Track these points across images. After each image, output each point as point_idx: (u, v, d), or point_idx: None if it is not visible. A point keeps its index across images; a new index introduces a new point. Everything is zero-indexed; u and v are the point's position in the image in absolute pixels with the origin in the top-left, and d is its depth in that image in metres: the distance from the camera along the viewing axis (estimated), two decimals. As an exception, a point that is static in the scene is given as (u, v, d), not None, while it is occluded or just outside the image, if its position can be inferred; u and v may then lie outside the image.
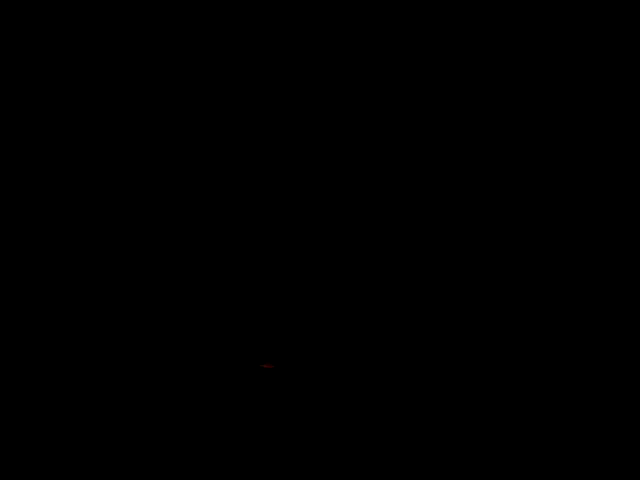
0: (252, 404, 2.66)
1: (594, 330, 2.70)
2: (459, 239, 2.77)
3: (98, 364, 2.73)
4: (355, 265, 2.79)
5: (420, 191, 2.79)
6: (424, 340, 2.76)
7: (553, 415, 2.63)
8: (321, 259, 2.79)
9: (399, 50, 2.78)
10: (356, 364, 2.75)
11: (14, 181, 2.75)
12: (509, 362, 2.72)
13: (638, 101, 2.72)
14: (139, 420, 2.63)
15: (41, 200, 2.77)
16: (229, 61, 2.80)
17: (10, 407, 2.61)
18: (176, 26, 2.77)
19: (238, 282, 2.79)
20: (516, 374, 2.70)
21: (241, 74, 2.80)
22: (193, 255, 2.79)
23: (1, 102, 2.71)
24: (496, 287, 2.75)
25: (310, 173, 2.81)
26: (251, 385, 2.70)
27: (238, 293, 2.79)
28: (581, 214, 2.74)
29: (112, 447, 2.57)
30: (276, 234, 2.81)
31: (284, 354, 2.76)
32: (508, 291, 2.75)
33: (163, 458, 2.56)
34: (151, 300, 2.77)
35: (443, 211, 2.78)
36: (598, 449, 2.55)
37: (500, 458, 2.57)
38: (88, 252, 2.77)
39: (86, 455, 2.55)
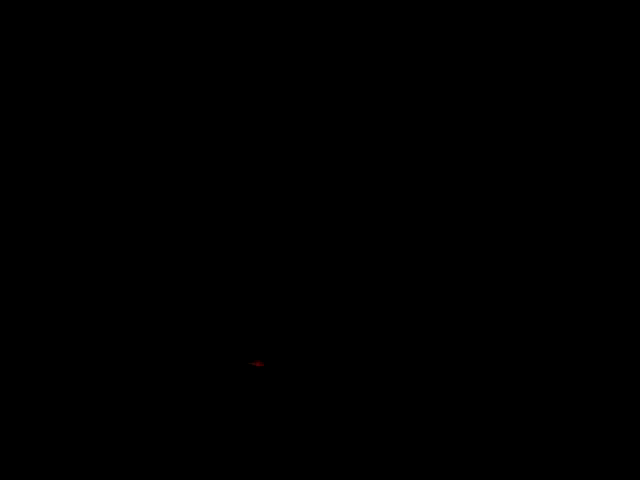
0: (242, 402, 2.65)
1: (594, 330, 2.70)
2: (455, 239, 2.77)
3: (87, 358, 2.71)
4: (346, 262, 2.78)
5: (418, 190, 2.79)
6: (419, 337, 2.75)
7: (553, 415, 2.63)
8: (312, 256, 2.79)
9: (399, 50, 2.78)
10: (348, 362, 2.74)
11: (14, 181, 2.75)
12: (508, 362, 2.71)
13: (638, 101, 2.72)
14: (129, 418, 2.62)
15: (41, 200, 2.76)
16: (229, 61, 2.80)
17: (10, 407, 2.61)
18: (176, 26, 2.77)
19: (228, 279, 2.79)
20: (516, 374, 2.70)
21: (241, 74, 2.80)
22: (183, 252, 2.79)
23: (1, 102, 2.72)
24: (495, 287, 2.75)
25: (300, 168, 2.81)
26: (241, 383, 2.69)
27: (228, 290, 2.78)
28: (581, 214, 2.75)
29: (102, 444, 2.57)
30: (267, 231, 2.80)
31: (274, 352, 2.75)
32: (508, 291, 2.75)
33: (155, 456, 2.55)
34: (142, 297, 2.76)
35: (440, 210, 2.78)
36: (598, 449, 2.56)
37: (499, 458, 2.57)
38: (80, 249, 2.76)
39: (79, 451, 2.55)
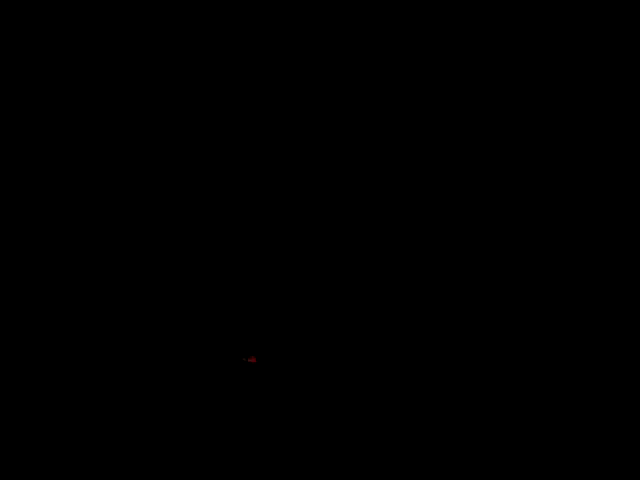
0: (235, 398, 2.65)
1: (594, 330, 2.71)
2: (453, 239, 2.77)
3: (81, 355, 2.71)
4: (340, 260, 2.78)
5: (416, 190, 2.79)
6: (413, 334, 2.75)
7: (553, 415, 2.63)
8: (305, 254, 2.79)
9: (398, 50, 2.78)
10: (341, 359, 2.74)
11: (14, 181, 2.75)
12: (507, 362, 2.72)
13: (638, 101, 2.73)
14: (125, 414, 2.62)
15: (41, 200, 2.76)
16: (229, 61, 2.80)
17: (10, 407, 2.60)
18: (176, 26, 2.76)
19: (222, 276, 2.79)
20: (515, 374, 2.70)
21: (240, 74, 2.80)
22: (177, 250, 2.79)
23: (1, 102, 2.71)
24: (494, 287, 2.75)
25: (296, 167, 2.80)
26: (234, 379, 2.69)
27: (222, 287, 2.78)
28: (581, 214, 2.75)
29: (97, 443, 2.56)
30: (260, 231, 2.80)
31: (268, 348, 2.75)
32: (507, 291, 2.75)
33: (149, 453, 2.55)
34: (136, 295, 2.76)
35: (438, 210, 2.78)
36: (598, 449, 2.56)
37: (497, 458, 2.57)
38: (79, 249, 2.76)
39: (75, 444, 2.55)
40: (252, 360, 2.68)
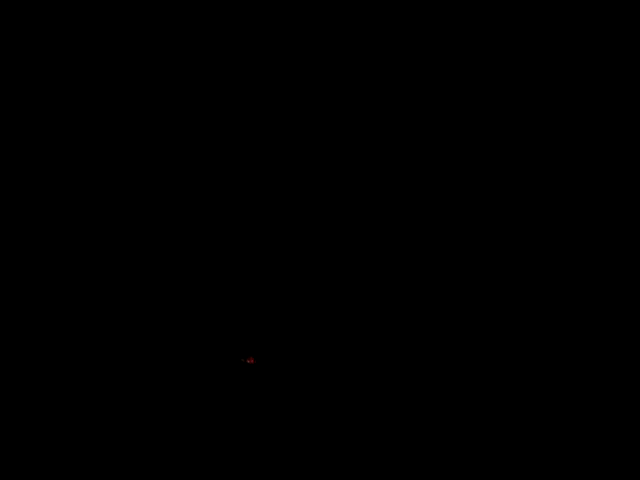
0: (234, 398, 2.66)
1: (594, 330, 2.70)
2: (452, 239, 2.77)
3: (79, 355, 2.73)
4: (336, 261, 2.79)
5: (414, 190, 2.79)
6: (411, 337, 2.75)
7: (553, 415, 2.63)
8: (302, 255, 2.79)
9: (398, 50, 2.77)
10: (336, 359, 2.75)
11: (14, 181, 2.75)
12: (507, 362, 2.72)
13: (638, 101, 2.71)
14: (122, 413, 2.63)
15: (41, 200, 2.77)
16: (229, 61, 2.80)
17: (10, 407, 2.62)
18: (176, 26, 2.76)
19: (220, 277, 2.79)
20: (514, 374, 2.70)
21: (240, 74, 2.80)
22: (174, 251, 2.79)
23: (1, 102, 2.73)
24: (493, 287, 2.75)
25: (294, 167, 2.81)
26: (233, 380, 2.70)
27: (220, 289, 2.79)
28: (581, 214, 2.74)
29: (94, 442, 2.57)
30: (257, 232, 2.81)
31: (266, 349, 2.76)
32: (507, 291, 2.75)
33: (148, 449, 2.56)
34: (133, 296, 2.77)
35: (437, 210, 2.78)
36: (598, 449, 2.56)
37: (498, 457, 2.57)
38: (78, 249, 2.77)
39: (73, 441, 2.56)
40: (251, 361, 2.70)
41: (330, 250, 2.79)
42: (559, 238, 2.74)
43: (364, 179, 2.80)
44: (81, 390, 2.67)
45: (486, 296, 2.75)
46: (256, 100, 2.81)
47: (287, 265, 2.79)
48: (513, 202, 2.76)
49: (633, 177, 2.71)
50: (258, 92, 2.81)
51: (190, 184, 2.80)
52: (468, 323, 2.74)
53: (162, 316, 2.76)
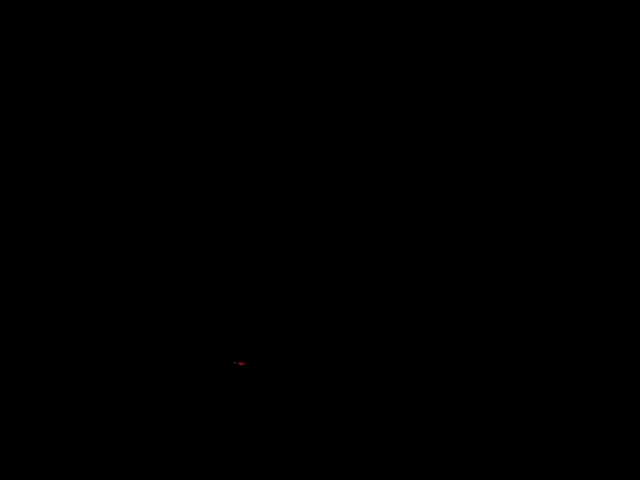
0: (226, 400, 2.67)
1: (594, 330, 2.66)
2: (450, 239, 2.74)
3: (77, 355, 2.75)
4: (332, 262, 2.78)
5: (412, 190, 2.77)
6: (410, 339, 2.73)
7: (553, 415, 2.60)
8: (298, 257, 2.78)
9: (398, 50, 2.75)
10: (329, 361, 2.74)
11: (14, 181, 2.79)
12: (506, 361, 2.69)
13: (638, 101, 2.65)
14: (120, 414, 2.66)
15: (41, 200, 2.80)
16: (229, 61, 2.80)
17: (10, 407, 2.65)
18: (176, 26, 2.77)
19: (214, 280, 2.80)
20: (514, 374, 2.67)
21: (240, 74, 2.80)
22: (169, 253, 2.80)
23: (1, 102, 2.75)
24: (493, 287, 2.72)
25: (292, 168, 2.80)
26: (225, 382, 2.70)
27: (214, 292, 2.79)
28: (581, 214, 2.70)
29: (93, 442, 2.60)
30: (254, 233, 2.80)
31: (257, 352, 2.76)
32: (506, 291, 2.72)
33: (145, 453, 2.58)
34: (131, 298, 2.79)
35: (435, 210, 2.75)
36: (598, 449, 2.53)
37: (498, 457, 2.55)
38: (78, 250, 2.80)
39: (72, 440, 2.59)
40: (241, 364, 2.71)
41: (326, 251, 2.78)
42: (559, 238, 2.70)
43: (364, 179, 2.78)
44: (77, 389, 2.69)
45: (486, 296, 2.72)
46: (256, 100, 2.81)
47: (282, 266, 2.79)
48: (513, 202, 2.72)
49: (633, 177, 2.65)
50: (258, 92, 2.81)
51: (190, 184, 2.81)
52: (468, 323, 2.71)
53: (157, 317, 2.78)
